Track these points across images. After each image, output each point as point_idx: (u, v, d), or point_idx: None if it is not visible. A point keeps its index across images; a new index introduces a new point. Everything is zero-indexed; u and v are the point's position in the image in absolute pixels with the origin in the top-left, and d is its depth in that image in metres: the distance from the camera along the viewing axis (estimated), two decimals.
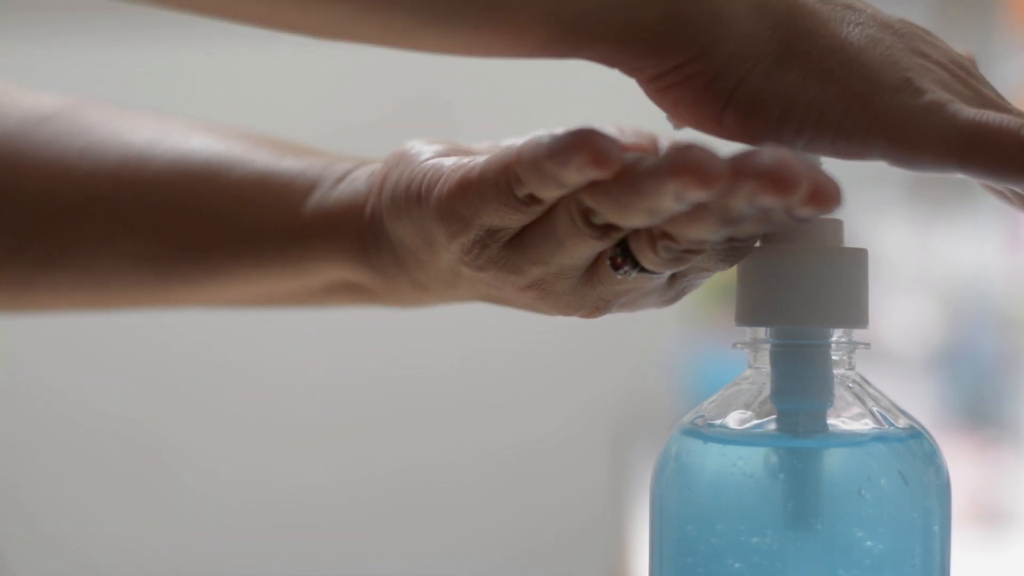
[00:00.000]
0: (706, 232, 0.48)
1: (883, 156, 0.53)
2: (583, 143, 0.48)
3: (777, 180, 0.45)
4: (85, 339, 2.45)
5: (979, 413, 1.75)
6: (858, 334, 0.53)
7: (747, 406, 0.52)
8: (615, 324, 2.71)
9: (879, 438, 0.52)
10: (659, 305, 0.57)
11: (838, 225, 0.53)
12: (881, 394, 0.53)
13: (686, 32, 0.50)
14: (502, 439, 2.46)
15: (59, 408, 2.49)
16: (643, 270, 0.52)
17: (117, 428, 2.48)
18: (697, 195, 0.46)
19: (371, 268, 0.59)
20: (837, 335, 0.53)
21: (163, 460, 2.49)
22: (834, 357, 0.53)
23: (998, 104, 0.53)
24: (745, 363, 0.53)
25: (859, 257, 0.53)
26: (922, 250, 1.86)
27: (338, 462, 2.47)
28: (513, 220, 0.52)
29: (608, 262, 0.52)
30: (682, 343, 2.15)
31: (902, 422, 0.52)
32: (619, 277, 0.52)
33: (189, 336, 2.41)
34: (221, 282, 0.63)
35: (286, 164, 0.62)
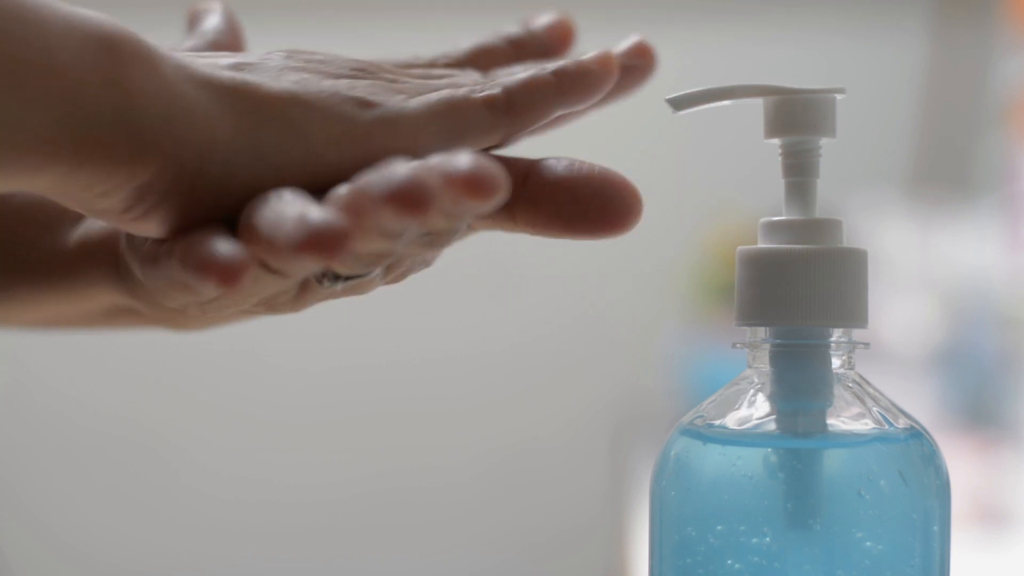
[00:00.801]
0: (379, 248, 0.49)
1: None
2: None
3: (406, 200, 0.46)
4: (85, 339, 2.44)
5: (979, 413, 1.75)
6: (858, 334, 0.53)
7: (746, 406, 0.52)
8: (615, 324, 2.72)
9: (879, 438, 0.51)
10: (387, 284, 0.57)
11: (838, 225, 0.53)
12: (881, 394, 0.53)
13: (144, 138, 0.48)
14: (502, 438, 2.45)
15: (59, 408, 2.49)
16: (346, 278, 0.53)
17: (117, 428, 2.48)
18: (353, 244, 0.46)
19: (132, 294, 0.58)
20: (837, 335, 0.52)
21: (163, 459, 2.49)
22: (834, 357, 0.53)
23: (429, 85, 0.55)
24: (745, 363, 0.53)
25: (859, 257, 0.53)
26: (922, 250, 1.85)
27: (338, 461, 2.47)
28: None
29: (312, 278, 0.53)
30: (682, 343, 2.15)
31: (902, 422, 0.52)
32: (326, 288, 0.54)
33: (189, 335, 2.40)
34: (4, 306, 0.62)
35: None
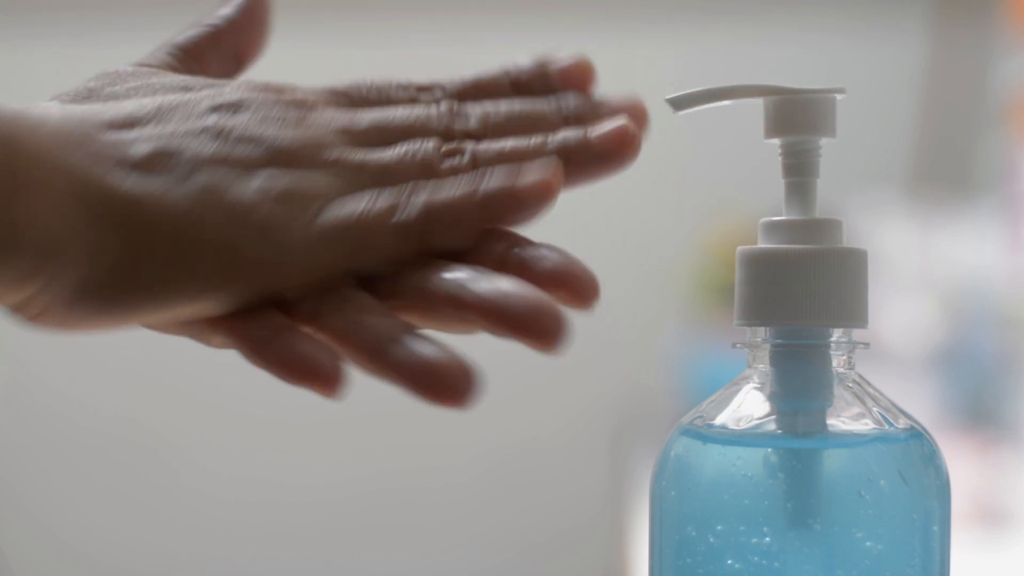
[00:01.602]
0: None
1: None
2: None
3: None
4: (85, 339, 2.45)
5: (979, 413, 1.75)
6: (858, 334, 0.53)
7: (747, 406, 0.52)
8: (615, 324, 2.72)
9: (879, 438, 0.51)
10: None
11: (838, 225, 0.53)
12: (881, 394, 0.53)
13: (23, 267, 0.49)
14: (502, 438, 2.45)
15: (59, 408, 2.49)
16: None
17: (117, 428, 2.48)
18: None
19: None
20: (837, 335, 0.52)
21: (163, 459, 2.49)
22: (834, 357, 0.53)
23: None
24: (745, 363, 0.53)
25: (859, 257, 0.53)
26: (922, 250, 1.85)
27: (338, 461, 2.47)
28: None
29: None
30: (682, 343, 2.15)
31: (902, 422, 0.52)
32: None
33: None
34: None
35: None
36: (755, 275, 0.53)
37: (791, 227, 0.53)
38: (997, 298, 1.74)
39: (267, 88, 0.56)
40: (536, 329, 0.50)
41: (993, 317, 1.75)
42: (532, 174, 0.53)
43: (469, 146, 0.55)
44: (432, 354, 0.50)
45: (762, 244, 0.53)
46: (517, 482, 2.47)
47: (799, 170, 0.54)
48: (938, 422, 1.67)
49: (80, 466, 2.49)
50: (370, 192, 0.53)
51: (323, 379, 0.50)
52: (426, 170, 0.54)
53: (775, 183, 0.55)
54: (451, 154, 0.55)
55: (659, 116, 0.56)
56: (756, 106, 0.55)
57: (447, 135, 0.55)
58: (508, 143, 0.55)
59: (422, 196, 0.53)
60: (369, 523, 2.48)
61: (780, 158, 0.54)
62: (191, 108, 0.53)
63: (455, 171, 0.54)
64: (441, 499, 2.48)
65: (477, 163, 0.54)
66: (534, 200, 0.53)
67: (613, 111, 0.57)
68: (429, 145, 0.55)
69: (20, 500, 2.51)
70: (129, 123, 0.52)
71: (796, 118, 0.53)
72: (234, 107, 0.54)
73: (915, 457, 0.51)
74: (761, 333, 0.53)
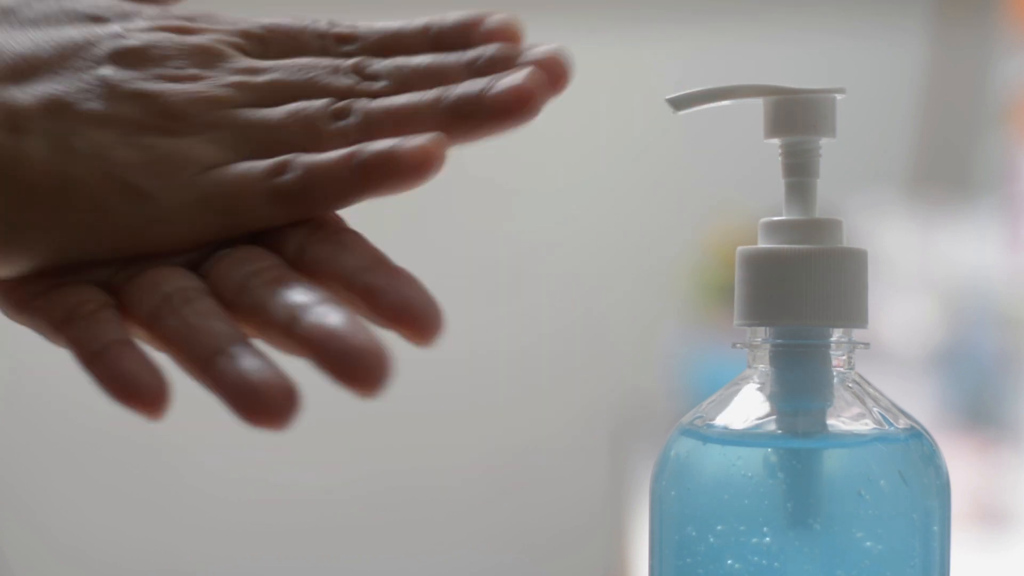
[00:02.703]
0: None
1: None
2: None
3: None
4: None
5: (979, 413, 1.75)
6: (858, 334, 0.53)
7: (746, 406, 0.52)
8: (615, 324, 2.72)
9: (879, 438, 0.51)
10: None
11: (838, 225, 0.53)
12: (881, 394, 0.53)
13: None
14: (501, 439, 2.45)
15: (59, 408, 2.49)
16: None
17: (117, 428, 2.48)
18: None
19: None
20: (837, 335, 0.52)
21: (163, 459, 2.49)
22: (834, 357, 0.53)
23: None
24: (745, 363, 0.53)
25: (859, 257, 0.53)
26: (922, 250, 1.86)
27: (338, 462, 2.47)
28: None
29: None
30: (682, 343, 2.15)
31: (902, 422, 0.52)
32: None
33: None
34: None
35: None
36: (755, 275, 0.53)
37: (791, 227, 0.53)
38: (997, 298, 1.74)
39: (178, 28, 0.55)
40: (354, 375, 0.49)
41: (993, 317, 1.75)
42: (414, 141, 0.52)
43: (361, 104, 0.54)
44: (256, 372, 0.49)
45: (762, 244, 0.53)
46: (517, 482, 2.47)
47: (799, 170, 0.54)
48: (938, 422, 1.67)
49: (80, 466, 2.49)
50: (250, 156, 0.53)
51: (145, 402, 0.52)
52: (311, 132, 0.53)
53: (775, 183, 0.55)
54: (339, 115, 0.54)
55: (659, 116, 0.56)
56: (756, 106, 0.55)
57: (344, 93, 0.55)
58: (401, 99, 0.54)
59: (301, 160, 0.53)
60: (369, 523, 2.48)
61: (780, 158, 0.54)
62: (90, 52, 0.54)
63: (342, 133, 0.53)
64: (441, 499, 2.48)
65: (368, 124, 0.54)
66: (413, 169, 0.52)
67: (528, 64, 0.55)
68: (317, 105, 0.54)
69: (20, 500, 2.51)
70: (22, 72, 0.53)
71: (796, 118, 0.53)
72: (132, 56, 0.54)
73: (915, 457, 0.51)
74: (761, 333, 0.53)
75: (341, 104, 0.54)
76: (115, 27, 0.55)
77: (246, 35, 0.56)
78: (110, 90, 0.53)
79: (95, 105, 0.53)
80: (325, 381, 0.52)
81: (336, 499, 2.48)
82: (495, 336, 2.42)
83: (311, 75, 0.55)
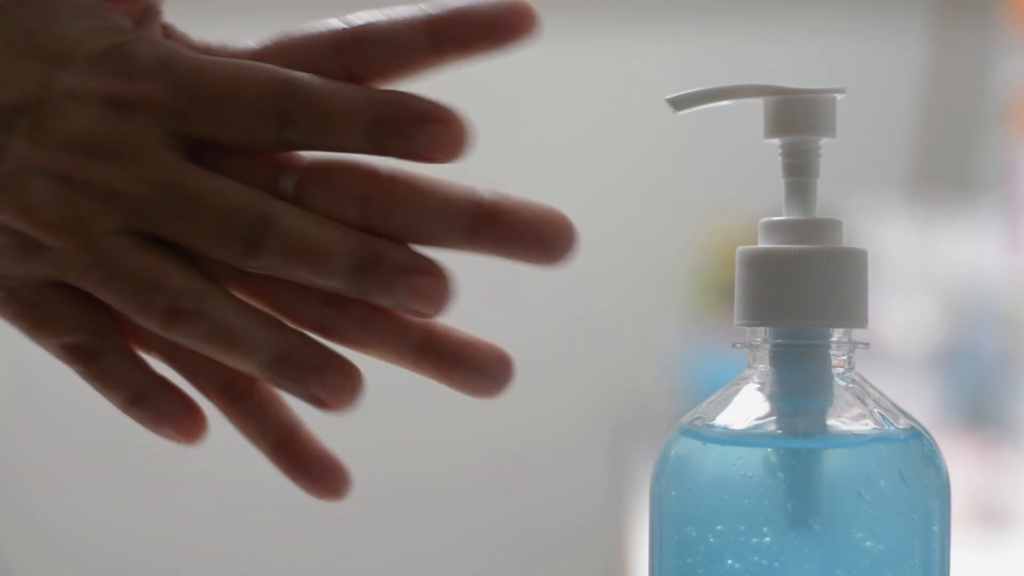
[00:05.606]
0: None
1: None
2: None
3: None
4: None
5: (979, 413, 1.75)
6: (858, 334, 0.53)
7: (746, 406, 0.52)
8: (615, 324, 2.71)
9: (879, 438, 0.51)
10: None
11: (838, 225, 0.53)
12: (881, 394, 0.53)
13: None
14: (501, 439, 2.45)
15: (59, 408, 2.49)
16: None
17: (117, 428, 2.48)
18: None
19: None
20: (837, 335, 0.52)
21: (163, 459, 2.48)
22: (834, 357, 0.52)
23: None
24: (745, 363, 0.53)
25: (859, 257, 0.53)
26: (922, 250, 1.86)
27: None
28: None
29: None
30: (682, 343, 2.15)
31: (902, 422, 0.52)
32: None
33: None
34: None
35: None
36: (755, 275, 0.53)
37: (791, 227, 0.53)
38: (997, 298, 1.74)
39: (118, 99, 0.53)
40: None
41: (993, 317, 1.75)
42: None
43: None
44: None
45: (762, 244, 0.53)
46: (517, 482, 2.47)
47: (799, 170, 0.54)
48: (938, 422, 1.67)
49: (80, 466, 2.49)
50: (97, 285, 0.54)
51: (184, 434, 0.60)
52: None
53: (775, 183, 0.54)
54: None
55: (659, 116, 0.56)
56: (756, 106, 0.55)
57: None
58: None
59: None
60: (369, 523, 2.48)
61: (780, 158, 0.54)
62: (13, 108, 0.53)
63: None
64: (441, 499, 2.48)
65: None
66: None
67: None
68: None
69: (20, 500, 2.51)
70: None
71: (796, 118, 0.53)
72: (49, 134, 0.53)
73: (915, 457, 0.51)
74: (761, 333, 0.53)
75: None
76: (64, 78, 0.53)
77: (175, 108, 0.53)
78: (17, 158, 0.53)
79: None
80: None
81: None
82: (495, 336, 2.41)
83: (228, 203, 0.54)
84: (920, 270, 1.84)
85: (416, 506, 2.48)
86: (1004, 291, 1.71)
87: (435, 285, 0.56)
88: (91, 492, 2.49)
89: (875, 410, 0.52)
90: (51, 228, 0.53)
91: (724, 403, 0.53)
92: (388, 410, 2.46)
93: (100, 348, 0.55)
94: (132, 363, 0.56)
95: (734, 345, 0.54)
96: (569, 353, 2.45)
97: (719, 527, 0.51)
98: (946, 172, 2.37)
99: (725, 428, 0.52)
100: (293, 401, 0.56)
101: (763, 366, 0.53)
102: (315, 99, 0.53)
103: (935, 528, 0.51)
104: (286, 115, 0.53)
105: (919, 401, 1.68)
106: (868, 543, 0.50)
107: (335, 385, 0.56)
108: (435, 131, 0.54)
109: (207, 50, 0.56)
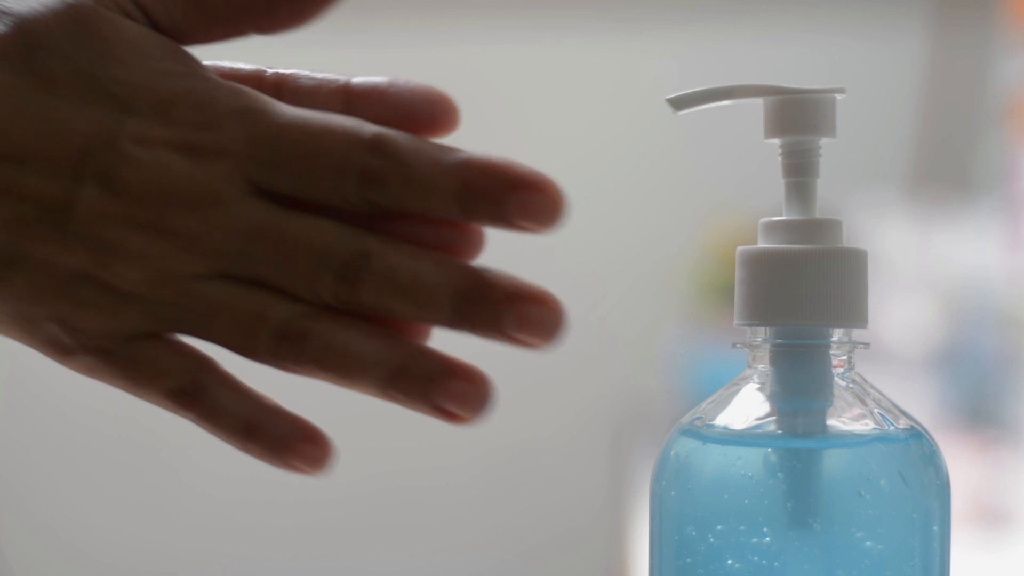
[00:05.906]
0: None
1: None
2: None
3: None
4: None
5: (979, 413, 1.75)
6: (858, 334, 0.53)
7: (746, 406, 0.52)
8: (614, 324, 2.71)
9: (879, 438, 0.51)
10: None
11: (838, 225, 0.53)
12: (881, 394, 0.53)
13: None
14: (501, 439, 2.45)
15: (59, 408, 2.49)
16: None
17: (117, 428, 2.48)
18: None
19: None
20: (837, 335, 0.52)
21: (163, 459, 2.49)
22: (834, 357, 0.52)
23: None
24: (745, 363, 0.53)
25: (859, 257, 0.53)
26: (922, 250, 1.86)
27: (338, 461, 2.47)
28: None
29: None
30: (682, 343, 2.15)
31: (902, 422, 0.52)
32: None
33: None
34: None
35: None
36: (755, 275, 0.53)
37: (791, 227, 0.53)
38: (997, 298, 1.74)
39: (191, 146, 0.52)
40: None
41: (993, 317, 1.75)
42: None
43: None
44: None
45: (762, 244, 0.53)
46: (517, 482, 2.47)
47: (799, 170, 0.54)
48: (938, 422, 1.67)
49: (80, 466, 2.49)
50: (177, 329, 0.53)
51: (307, 461, 0.57)
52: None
53: (775, 183, 0.55)
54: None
55: (659, 116, 0.56)
56: (756, 106, 0.55)
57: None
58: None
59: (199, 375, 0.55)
60: (369, 523, 2.48)
61: (780, 158, 0.54)
62: (81, 156, 0.51)
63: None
64: (441, 499, 2.48)
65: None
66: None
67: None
68: (276, 316, 0.54)
69: (20, 500, 2.51)
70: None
71: (796, 118, 0.53)
72: (119, 185, 0.51)
73: (915, 457, 0.51)
74: (761, 333, 0.53)
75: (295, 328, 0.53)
76: (132, 124, 0.51)
77: (256, 159, 0.52)
78: (70, 220, 0.51)
79: (46, 232, 0.51)
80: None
81: (336, 499, 2.48)
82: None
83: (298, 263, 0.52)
84: (920, 270, 1.84)
85: (416, 506, 2.48)
86: (1004, 291, 1.71)
87: (545, 314, 0.53)
88: (91, 492, 2.49)
89: (875, 410, 0.52)
90: (136, 279, 0.51)
91: (724, 403, 0.53)
92: (388, 410, 2.46)
93: (203, 384, 0.54)
94: (239, 394, 0.54)
95: (734, 345, 0.54)
96: (569, 353, 2.45)
97: (719, 527, 0.51)
98: (946, 172, 2.37)
99: (725, 428, 0.52)
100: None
101: (763, 366, 0.53)
102: (404, 160, 0.52)
103: (935, 528, 0.51)
104: (372, 175, 0.52)
105: (919, 401, 1.68)
106: (868, 543, 0.50)
107: (461, 393, 0.53)
108: (529, 199, 0.53)
109: (275, 91, 0.54)
